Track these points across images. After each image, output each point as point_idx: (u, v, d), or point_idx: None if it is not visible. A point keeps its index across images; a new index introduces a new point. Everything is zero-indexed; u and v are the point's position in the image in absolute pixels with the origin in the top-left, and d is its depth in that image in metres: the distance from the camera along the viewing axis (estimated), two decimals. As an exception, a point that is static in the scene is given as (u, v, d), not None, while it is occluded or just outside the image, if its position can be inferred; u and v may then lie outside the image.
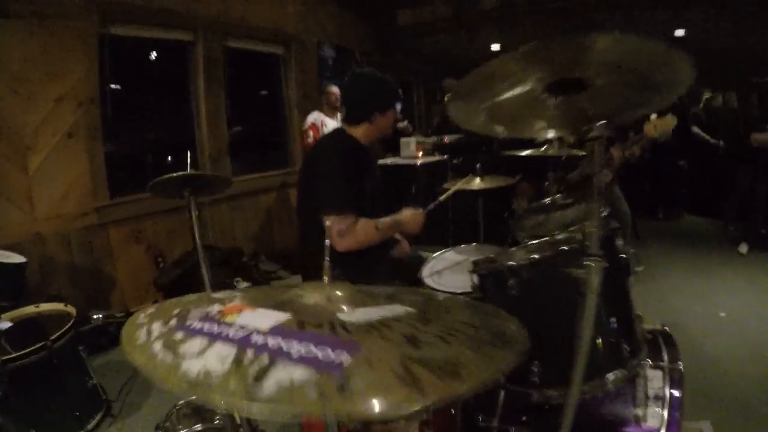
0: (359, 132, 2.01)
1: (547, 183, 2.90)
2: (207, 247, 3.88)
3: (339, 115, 4.60)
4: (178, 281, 3.45)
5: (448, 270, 2.21)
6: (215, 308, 0.75)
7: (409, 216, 2.02)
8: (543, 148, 3.12)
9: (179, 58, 3.99)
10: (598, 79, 0.93)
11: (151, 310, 0.80)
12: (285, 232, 4.91)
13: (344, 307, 0.77)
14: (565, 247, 1.29)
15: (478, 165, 2.89)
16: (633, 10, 5.39)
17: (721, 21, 5.47)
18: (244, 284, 3.71)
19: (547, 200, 2.55)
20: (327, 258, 0.84)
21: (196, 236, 1.90)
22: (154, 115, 4.07)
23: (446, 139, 5.63)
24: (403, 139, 4.94)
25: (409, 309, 0.80)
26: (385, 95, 2.04)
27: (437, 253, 2.45)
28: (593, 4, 5.52)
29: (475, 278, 1.58)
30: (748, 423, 2.08)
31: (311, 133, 4.48)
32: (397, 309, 0.80)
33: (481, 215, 3.46)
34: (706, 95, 5.29)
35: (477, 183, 2.70)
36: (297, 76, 5.12)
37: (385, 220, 1.94)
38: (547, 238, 1.63)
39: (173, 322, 0.73)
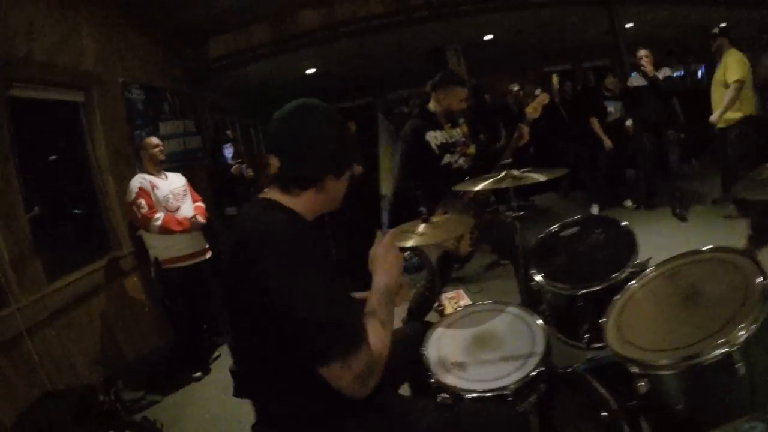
0: (300, 204, 1.27)
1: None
2: (44, 398, 2.59)
3: (166, 174, 3.60)
4: None
5: (468, 355, 1.59)
6: None
7: (386, 271, 1.34)
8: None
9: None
10: None
11: None
12: (134, 340, 3.66)
13: None
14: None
15: (422, 209, 1.87)
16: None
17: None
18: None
19: (551, 233, 2.22)
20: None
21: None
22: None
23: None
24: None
25: None
26: (346, 145, 1.33)
27: (430, 332, 1.73)
28: (404, 20, 5.70)
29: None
30: None
31: (143, 202, 3.33)
32: None
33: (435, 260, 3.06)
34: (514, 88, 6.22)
35: (422, 233, 1.78)
36: (103, 128, 3.89)
37: (380, 309, 1.27)
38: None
39: None
